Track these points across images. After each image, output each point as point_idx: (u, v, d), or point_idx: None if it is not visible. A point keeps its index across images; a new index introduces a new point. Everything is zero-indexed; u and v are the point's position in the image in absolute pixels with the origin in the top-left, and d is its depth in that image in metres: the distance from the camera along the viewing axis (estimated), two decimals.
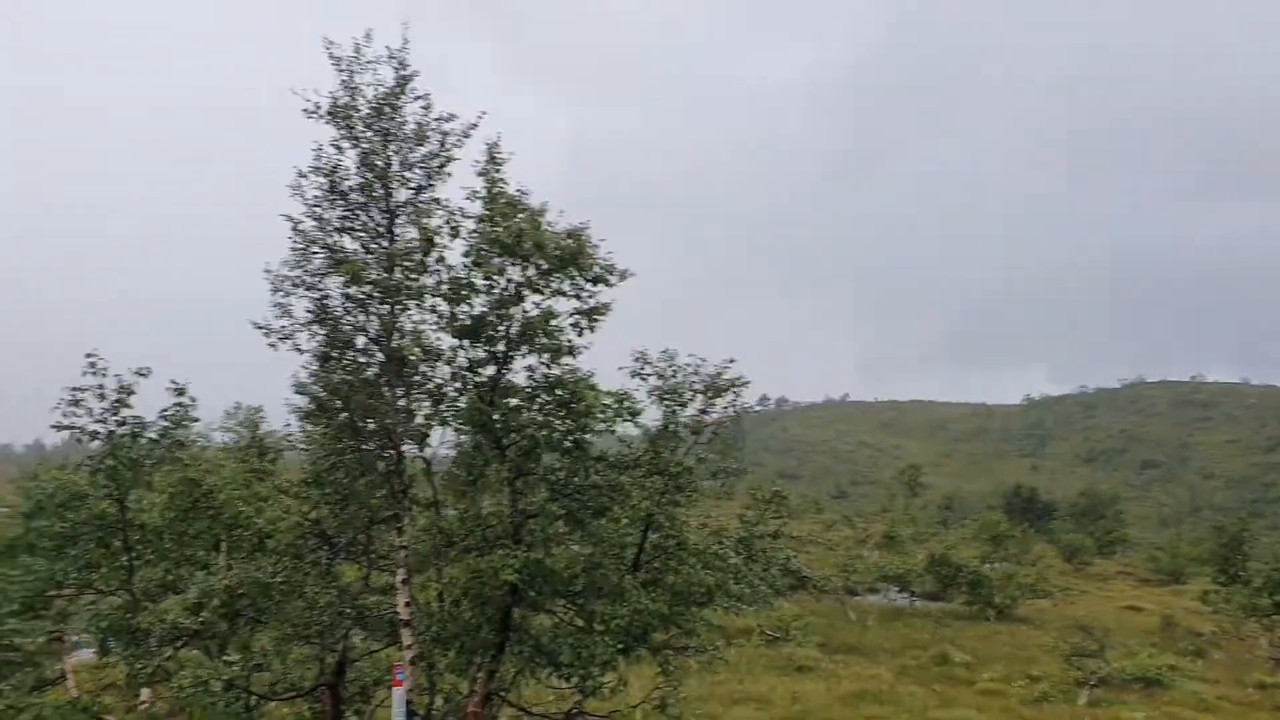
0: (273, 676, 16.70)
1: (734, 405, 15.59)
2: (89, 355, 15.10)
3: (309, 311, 14.55)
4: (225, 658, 15.63)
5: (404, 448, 15.06)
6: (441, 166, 14.57)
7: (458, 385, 15.08)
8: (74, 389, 15.11)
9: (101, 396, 15.13)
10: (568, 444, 14.00)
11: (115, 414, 15.21)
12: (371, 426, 15.22)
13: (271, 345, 14.52)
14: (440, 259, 14.31)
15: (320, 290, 14.63)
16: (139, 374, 15.19)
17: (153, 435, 15.64)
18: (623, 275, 14.07)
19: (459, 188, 14.44)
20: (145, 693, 16.05)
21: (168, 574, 17.44)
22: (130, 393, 15.12)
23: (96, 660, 21.67)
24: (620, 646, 13.24)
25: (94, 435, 15.33)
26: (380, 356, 15.00)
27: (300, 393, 16.96)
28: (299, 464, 20.12)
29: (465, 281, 14.13)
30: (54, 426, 15.51)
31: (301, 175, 14.26)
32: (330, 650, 15.57)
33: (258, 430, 21.42)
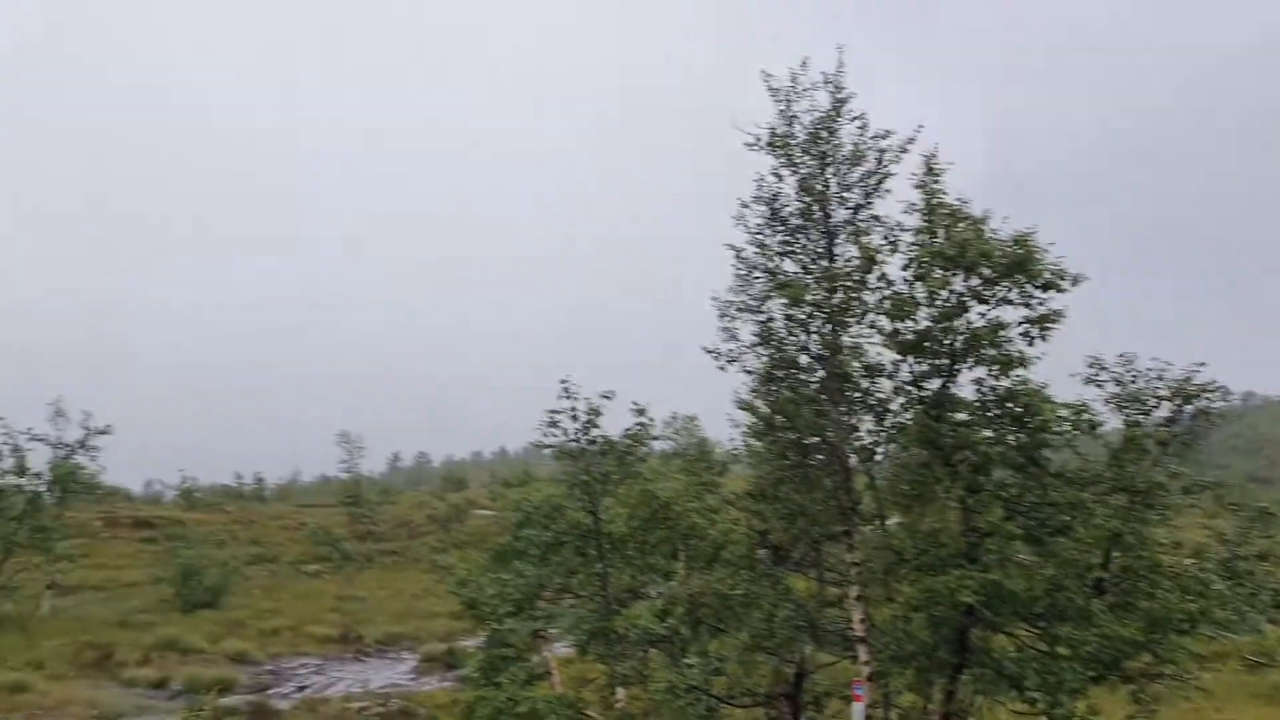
0: (730, 681, 17.49)
1: (1205, 412, 14.31)
2: (563, 380, 16.74)
3: (754, 334, 15.21)
4: (686, 661, 16.62)
5: (850, 463, 15.29)
6: (879, 184, 14.67)
7: (902, 400, 15.07)
8: (551, 411, 16.80)
9: (574, 418, 16.71)
10: (1021, 460, 13.52)
11: (586, 433, 16.73)
12: (817, 442, 15.63)
13: (720, 368, 15.34)
14: (881, 275, 14.37)
15: (764, 313, 15.26)
16: (605, 397, 16.61)
17: (620, 450, 17.02)
18: (1075, 280, 13.37)
19: (895, 202, 14.50)
20: (620, 692, 17.43)
21: (633, 580, 18.89)
22: (599, 414, 16.58)
23: (571, 657, 23.96)
24: (1092, 674, 12.55)
25: (569, 453, 16.94)
26: (822, 374, 15.36)
27: (745, 409, 17.76)
28: (744, 477, 21.09)
29: (907, 296, 14.09)
30: (535, 444, 17.38)
31: (744, 205, 14.96)
32: (788, 661, 16.08)
33: (703, 444, 22.64)
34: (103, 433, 44.38)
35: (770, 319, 15.11)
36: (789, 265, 15.25)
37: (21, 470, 43.40)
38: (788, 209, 15.01)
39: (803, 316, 14.93)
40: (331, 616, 42.77)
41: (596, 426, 16.73)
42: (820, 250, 15.04)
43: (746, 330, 15.35)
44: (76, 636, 34.42)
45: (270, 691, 28.86)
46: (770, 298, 15.06)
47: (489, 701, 16.92)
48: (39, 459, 44.00)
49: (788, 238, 15.10)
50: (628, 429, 17.22)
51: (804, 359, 15.36)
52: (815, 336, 15.07)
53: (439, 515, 75.63)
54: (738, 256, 15.28)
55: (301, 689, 29.52)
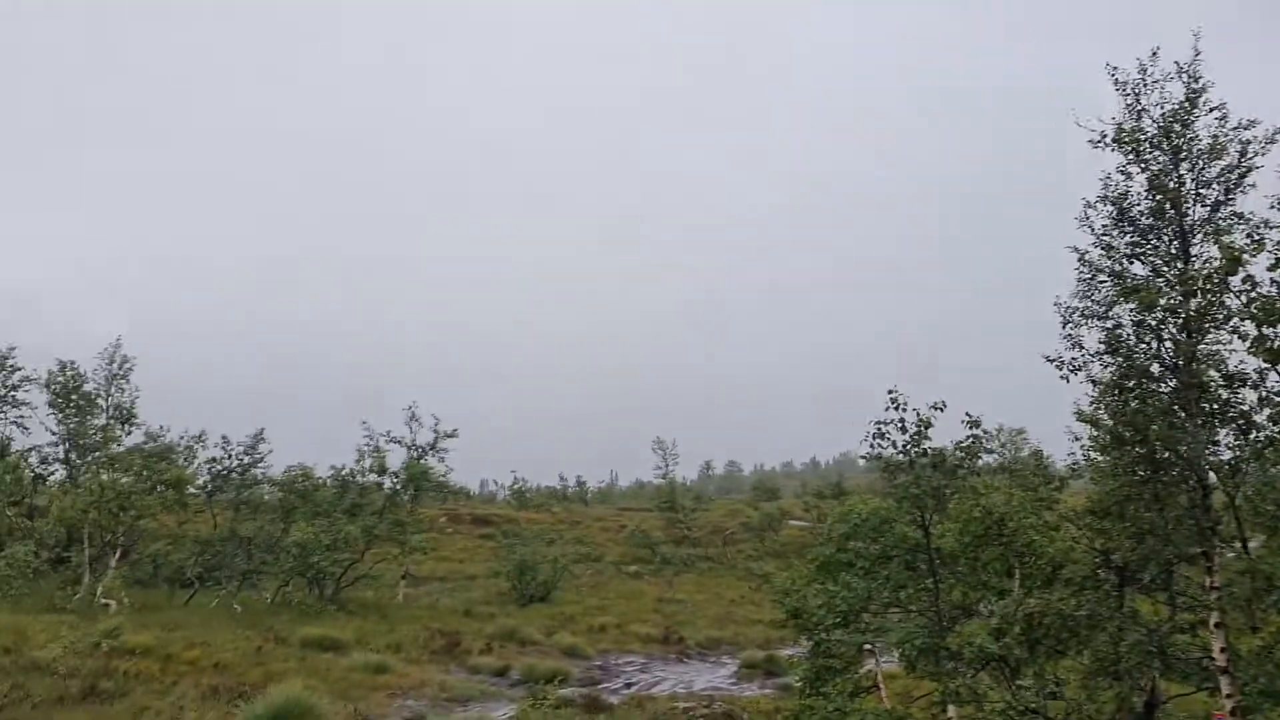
0: (1068, 706, 16.63)
1: None
2: (890, 391, 16.51)
3: (1100, 342, 14.40)
4: (1020, 683, 15.94)
5: (1208, 480, 14.16)
6: (1242, 178, 13.52)
7: (1270, 412, 13.78)
8: (879, 423, 16.60)
9: (903, 429, 16.42)
10: None
11: (916, 445, 16.39)
12: (1169, 457, 14.58)
13: (1063, 378, 14.63)
14: (1246, 277, 13.22)
15: (1110, 320, 14.42)
16: (935, 408, 16.23)
17: (951, 464, 16.57)
18: None
19: (1262, 197, 13.30)
20: (952, 710, 16.97)
21: (965, 597, 18.35)
22: (929, 425, 16.22)
23: (897, 672, 23.54)
24: None
25: (897, 465, 16.68)
26: (1176, 384, 14.32)
27: (1086, 422, 16.82)
28: (1085, 492, 19.96)
29: (1277, 299, 12.89)
30: (863, 458, 17.26)
31: (1089, 205, 14.21)
32: (1136, 689, 15.09)
33: (1038, 457, 21.62)
34: (450, 436, 48.25)
35: (1118, 325, 14.25)
36: (1138, 268, 14.34)
37: (381, 469, 47.93)
38: (1137, 208, 14.12)
39: (1154, 323, 14.00)
40: (653, 617, 44.21)
41: (927, 439, 16.36)
42: (1174, 252, 14.05)
43: (1091, 338, 14.55)
44: (427, 623, 37.46)
45: (600, 686, 30.19)
46: (1118, 303, 14.21)
47: (816, 711, 16.96)
48: (395, 459, 48.53)
49: (1137, 239, 14.21)
50: (959, 442, 16.73)
51: (1156, 368, 14.38)
52: (1169, 344, 14.08)
53: (753, 524, 76.34)
54: (1081, 260, 14.53)
55: (629, 685, 30.66)
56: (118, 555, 39.99)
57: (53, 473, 53.61)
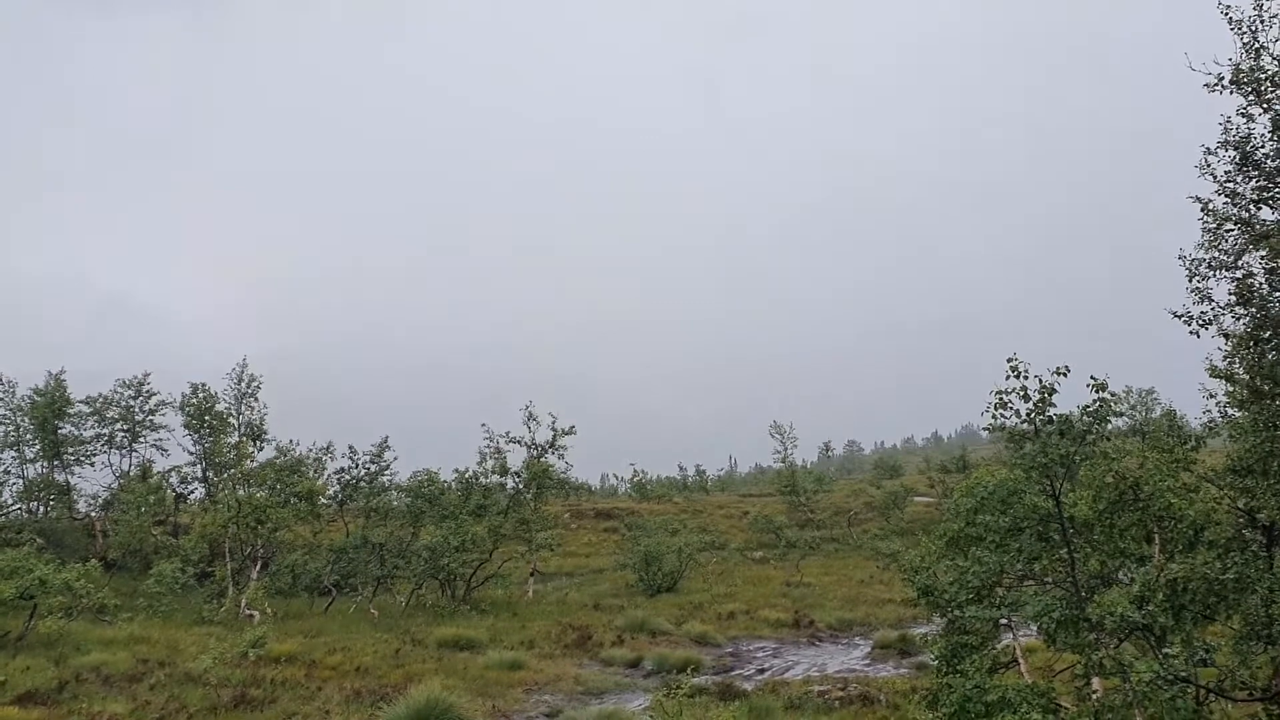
0: (1220, 673, 16.00)
1: None
2: (1009, 359, 16.01)
3: (1231, 294, 13.79)
4: (1167, 651, 15.38)
5: None
6: None
7: None
8: (999, 392, 16.13)
9: (1026, 397, 15.92)
10: None
11: (1041, 413, 15.89)
12: None
13: (1193, 333, 14.06)
14: None
15: (1240, 269, 13.80)
16: (1058, 373, 15.70)
17: (1079, 430, 16.01)
18: None
19: None
20: (1096, 683, 16.45)
21: (1102, 565, 17.77)
22: (1052, 391, 15.69)
23: (1035, 645, 22.96)
24: None
25: (1022, 435, 16.19)
26: None
27: (1221, 378, 16.14)
28: (1223, 450, 19.16)
29: None
30: (986, 429, 16.81)
31: (1209, 152, 13.61)
32: None
33: (1171, 416, 20.82)
34: (568, 433, 48.80)
35: (1249, 275, 13.63)
36: (1267, 214, 13.67)
37: (503, 470, 48.75)
38: (1261, 151, 13.46)
39: None
40: (782, 601, 44.00)
41: (1052, 405, 15.83)
42: None
43: (1220, 290, 13.95)
44: (558, 618, 37.99)
45: (733, 672, 30.18)
46: (1247, 251, 13.59)
47: (954, 689, 16.62)
48: (516, 459, 49.32)
49: (1264, 183, 13.54)
50: (1086, 406, 16.15)
51: None
52: None
53: (876, 503, 75.40)
54: (1204, 209, 13.92)
55: (761, 671, 30.58)
56: (258, 567, 41.55)
57: (192, 491, 56.01)
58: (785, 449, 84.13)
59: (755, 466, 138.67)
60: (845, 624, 39.25)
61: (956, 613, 18.19)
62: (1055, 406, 15.88)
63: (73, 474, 54.72)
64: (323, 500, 49.49)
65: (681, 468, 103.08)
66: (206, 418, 54.53)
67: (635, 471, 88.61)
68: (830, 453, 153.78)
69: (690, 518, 71.44)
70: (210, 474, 55.06)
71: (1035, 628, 17.31)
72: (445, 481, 49.89)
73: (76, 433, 54.18)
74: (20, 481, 53.29)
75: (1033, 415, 15.96)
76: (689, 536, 55.85)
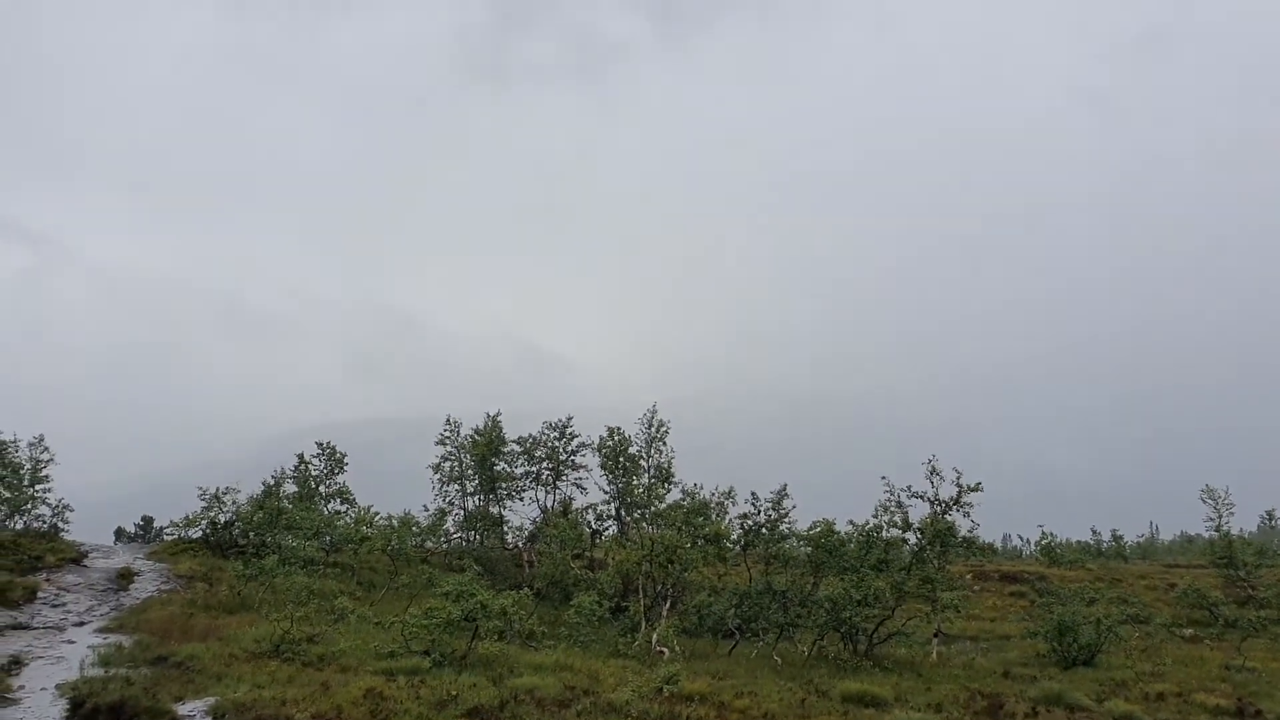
0: None
1: None
2: None
3: None
4: None
5: None
6: None
7: None
8: None
9: None
10: None
11: None
12: None
13: None
14: None
15: None
16: None
17: None
18: None
19: None
20: None
21: None
22: None
23: None
24: None
25: None
26: None
27: None
28: None
29: None
30: None
31: None
32: None
33: None
34: (974, 490, 46.90)
35: None
36: None
37: (906, 525, 47.67)
38: None
39: None
40: (1221, 686, 39.42)
41: None
42: None
43: None
44: (965, 683, 36.33)
45: None
46: None
47: None
48: (916, 514, 48.03)
49: None
50: None
51: None
52: None
53: None
54: None
55: None
56: (668, 605, 43.30)
57: (607, 528, 59.57)
58: (1219, 515, 75.89)
59: (1181, 534, 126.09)
60: None
61: None
62: None
63: (504, 507, 60.07)
64: (727, 543, 50.80)
65: (1095, 531, 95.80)
66: (620, 459, 57.95)
67: (1044, 534, 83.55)
68: (1274, 522, 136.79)
69: (1107, 587, 66.08)
70: (623, 512, 58.34)
71: None
72: (843, 533, 49.59)
73: (509, 469, 59.49)
74: (461, 512, 59.30)
75: None
76: (1107, 607, 51.64)
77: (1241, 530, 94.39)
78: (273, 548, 49.92)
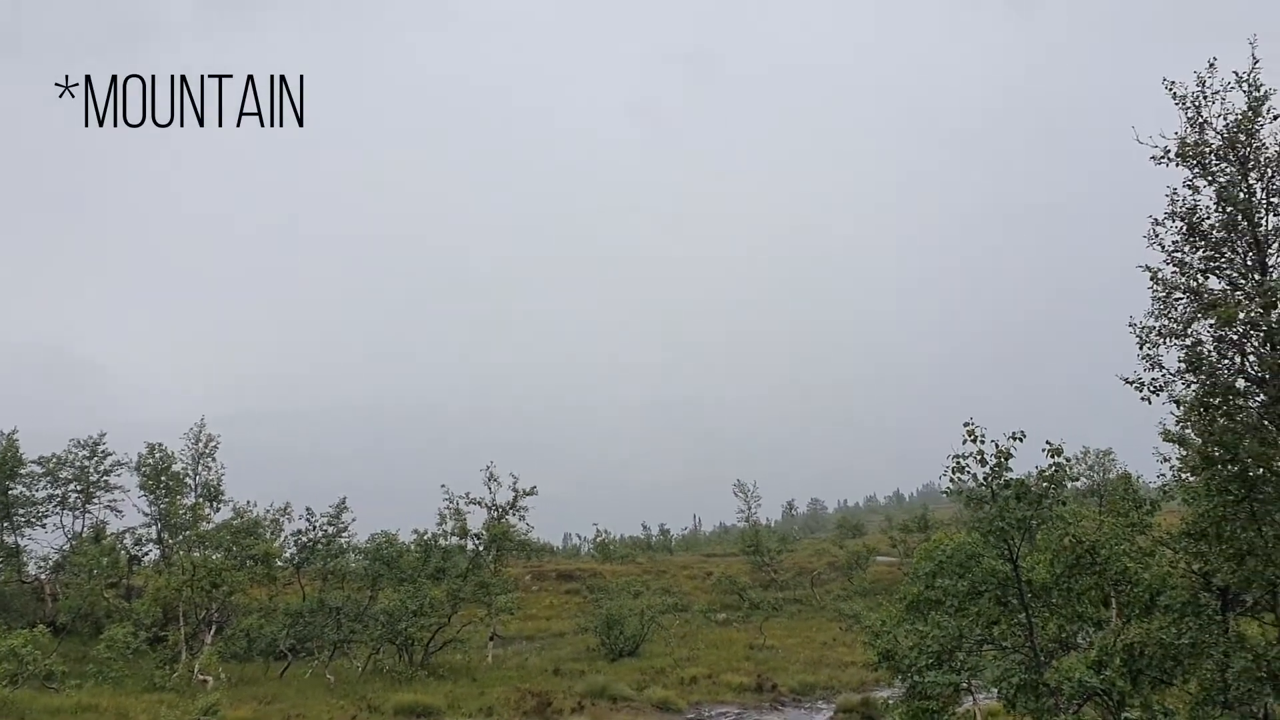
0: None
1: None
2: (966, 424, 16.14)
3: (1180, 361, 14.05)
4: (1126, 716, 15.39)
5: None
6: None
7: None
8: (957, 456, 16.27)
9: (983, 461, 16.09)
10: None
11: (997, 477, 16.04)
12: (1263, 474, 14.12)
13: (1144, 399, 14.29)
14: None
15: (1189, 337, 14.08)
16: (1014, 438, 15.88)
17: (1035, 494, 16.14)
18: None
19: None
20: None
21: (1061, 629, 17.86)
22: (1009, 456, 15.86)
23: (996, 710, 22.90)
24: None
25: (978, 498, 16.31)
26: (1264, 399, 13.92)
27: (1173, 442, 16.38)
28: (1178, 514, 19.36)
29: None
30: (945, 492, 16.94)
31: (1157, 223, 13.97)
32: (1249, 717, 14.50)
33: (1126, 480, 21.05)
34: (529, 493, 48.42)
35: (1198, 343, 13.91)
36: (1214, 283, 14.01)
37: (463, 532, 48.26)
38: (1207, 222, 13.83)
39: (1236, 337, 13.66)
40: (745, 665, 43.63)
41: (1008, 470, 16.00)
42: (1250, 264, 13.71)
43: (1170, 357, 14.21)
44: (518, 684, 37.39)
45: None
46: (1196, 320, 13.88)
47: None
48: (476, 521, 48.83)
49: (1210, 253, 13.89)
50: (1042, 470, 16.32)
51: (1241, 384, 14.00)
52: (1253, 358, 13.71)
53: (839, 563, 75.30)
54: (1154, 278, 14.23)
55: None
56: (212, 631, 40.71)
57: (147, 553, 54.90)
58: (749, 508, 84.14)
59: (720, 525, 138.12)
60: (808, 688, 38.99)
61: (917, 678, 18.16)
62: (1012, 471, 16.07)
63: (23, 536, 53.51)
64: (279, 563, 48.62)
65: (645, 527, 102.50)
66: (163, 478, 53.71)
67: (598, 531, 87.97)
68: (794, 511, 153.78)
69: (654, 579, 70.84)
70: (165, 536, 54.09)
71: (995, 692, 17.33)
72: (404, 543, 49.31)
73: (28, 493, 53.10)
74: None
75: (989, 480, 16.13)
76: (652, 599, 55.27)
77: (768, 520, 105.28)
78: None
